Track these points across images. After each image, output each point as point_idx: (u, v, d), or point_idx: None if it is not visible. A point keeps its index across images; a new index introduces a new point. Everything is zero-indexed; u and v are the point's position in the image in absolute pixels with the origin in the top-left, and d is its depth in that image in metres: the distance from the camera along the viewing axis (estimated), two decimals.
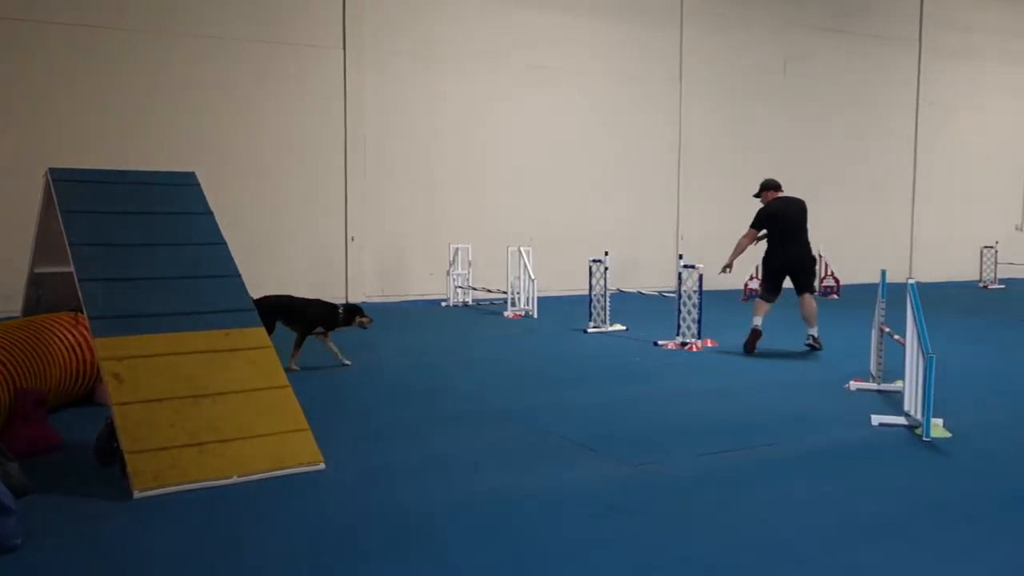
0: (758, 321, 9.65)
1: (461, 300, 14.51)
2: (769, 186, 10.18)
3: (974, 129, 21.65)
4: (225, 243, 6.00)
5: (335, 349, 8.49)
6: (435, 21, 15.34)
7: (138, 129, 13.35)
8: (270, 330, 7.32)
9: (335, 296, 14.58)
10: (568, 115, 16.60)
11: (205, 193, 6.30)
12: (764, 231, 9.88)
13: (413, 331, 11.61)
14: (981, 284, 19.64)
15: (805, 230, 9.78)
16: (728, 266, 9.99)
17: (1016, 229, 22.40)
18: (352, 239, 14.79)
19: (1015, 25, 21.87)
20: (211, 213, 6.15)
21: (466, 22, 15.58)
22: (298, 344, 8.30)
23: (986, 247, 19.88)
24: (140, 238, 5.77)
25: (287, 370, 5.78)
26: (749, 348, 9.53)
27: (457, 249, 14.38)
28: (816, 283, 16.66)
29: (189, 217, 6.09)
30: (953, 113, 21.27)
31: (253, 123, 14.08)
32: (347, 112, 14.68)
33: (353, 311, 8.54)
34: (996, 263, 19.64)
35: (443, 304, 14.47)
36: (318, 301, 8.68)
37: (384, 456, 5.40)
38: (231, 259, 5.91)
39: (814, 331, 9.68)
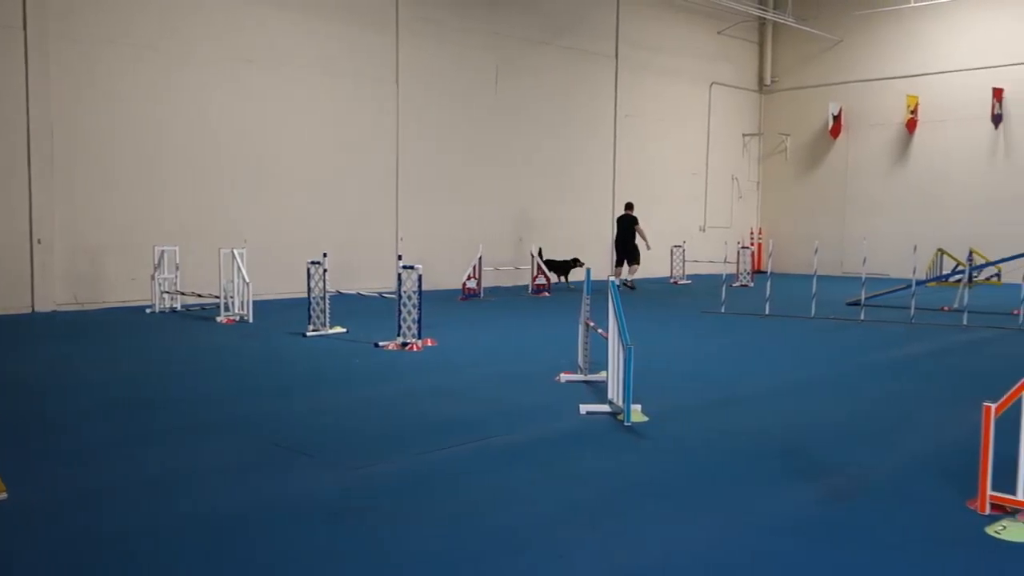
0: (620, 279, 18.14)
1: (168, 306, 13.60)
2: (626, 206, 19.12)
3: (661, 139, 23.79)
4: None
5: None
6: (129, 4, 14.21)
7: None
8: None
9: (20, 307, 13.15)
10: (281, 113, 16.09)
11: None
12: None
13: (115, 341, 10.72)
14: (671, 280, 21.61)
15: (633, 231, 18.65)
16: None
17: (700, 230, 24.92)
18: (39, 241, 13.35)
19: (691, 44, 24.32)
20: None
21: (164, 5, 14.58)
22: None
23: (675, 246, 21.93)
24: None
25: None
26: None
27: (163, 251, 13.47)
28: (529, 282, 17.79)
29: None
30: (644, 124, 23.23)
31: None
32: (29, 100, 13.17)
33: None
34: (684, 260, 21.72)
35: (148, 311, 13.48)
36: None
37: (84, 479, 4.92)
38: None
39: (628, 278, 18.69)
